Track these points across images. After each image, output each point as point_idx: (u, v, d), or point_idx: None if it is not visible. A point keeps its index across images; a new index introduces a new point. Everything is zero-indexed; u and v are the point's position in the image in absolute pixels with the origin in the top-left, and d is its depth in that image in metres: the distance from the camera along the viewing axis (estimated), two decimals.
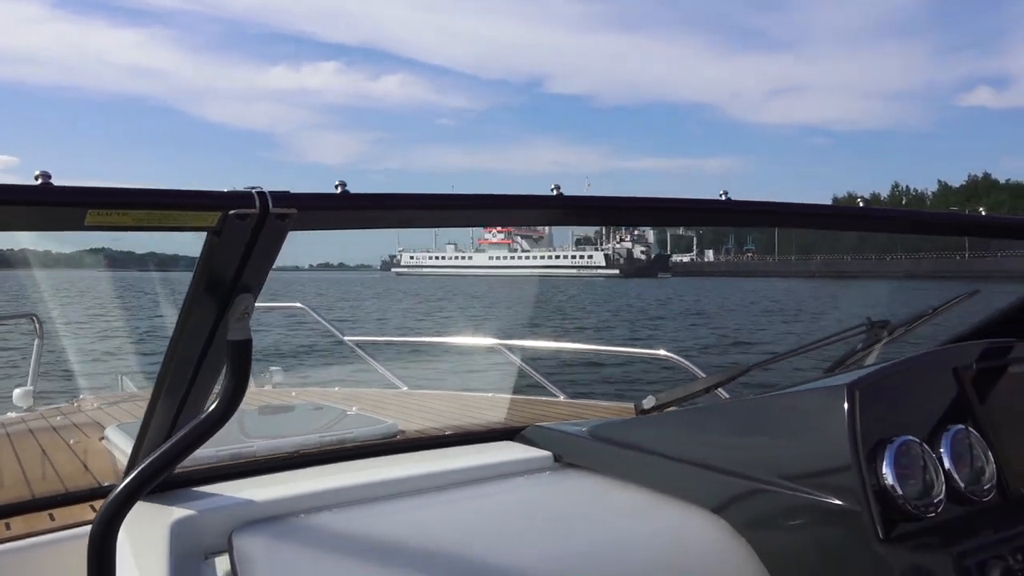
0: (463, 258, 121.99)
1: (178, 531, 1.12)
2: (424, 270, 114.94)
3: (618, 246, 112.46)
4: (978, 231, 1.59)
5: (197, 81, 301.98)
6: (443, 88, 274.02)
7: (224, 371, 0.91)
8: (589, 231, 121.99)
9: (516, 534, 1.22)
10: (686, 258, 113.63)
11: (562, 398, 2.67)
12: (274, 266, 0.90)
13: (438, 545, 1.15)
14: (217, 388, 0.95)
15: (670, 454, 1.37)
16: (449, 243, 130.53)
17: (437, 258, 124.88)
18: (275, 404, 2.63)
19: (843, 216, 1.52)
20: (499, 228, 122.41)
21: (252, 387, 3.47)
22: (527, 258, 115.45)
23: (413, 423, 2.12)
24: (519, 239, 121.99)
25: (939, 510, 1.10)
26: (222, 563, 1.10)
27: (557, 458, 1.54)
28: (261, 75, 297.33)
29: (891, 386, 1.21)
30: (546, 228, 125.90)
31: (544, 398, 2.73)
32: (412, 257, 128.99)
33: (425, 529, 1.21)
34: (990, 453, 1.21)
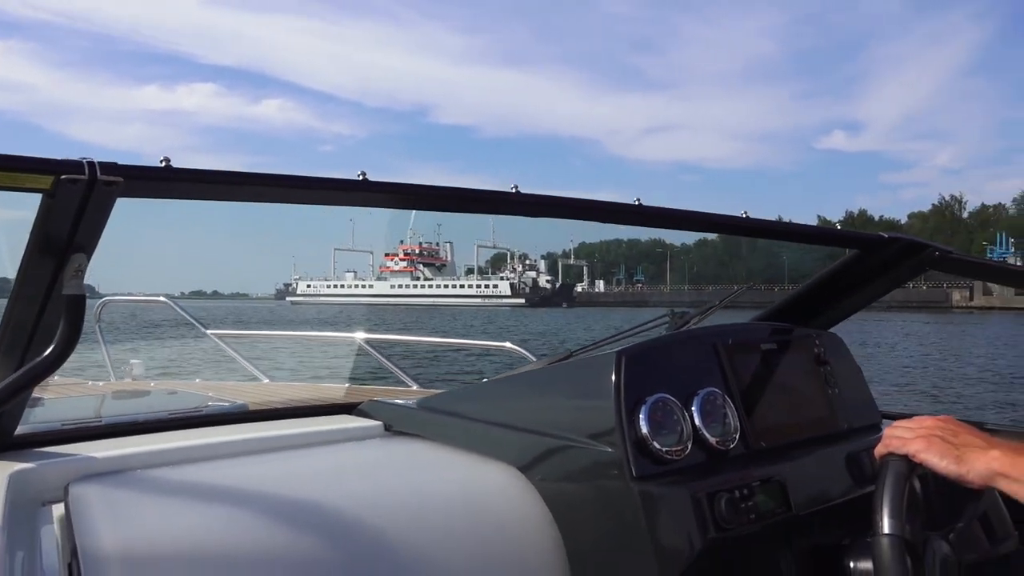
0: (363, 286, 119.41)
1: (15, 482, 1.20)
2: (321, 299, 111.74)
3: (523, 276, 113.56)
4: (792, 237, 1.83)
5: (60, 97, 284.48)
6: (326, 114, 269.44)
7: (60, 324, 1.01)
8: (490, 257, 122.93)
9: (342, 489, 1.34)
10: (578, 288, 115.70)
11: (415, 387, 2.79)
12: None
13: (270, 499, 1.26)
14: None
15: (481, 418, 1.56)
16: (348, 271, 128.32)
17: (336, 286, 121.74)
18: (130, 390, 2.63)
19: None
20: (402, 256, 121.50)
21: (111, 379, 3.43)
22: (430, 286, 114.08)
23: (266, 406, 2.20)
24: (421, 267, 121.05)
25: (685, 455, 1.33)
26: (58, 510, 1.19)
27: (388, 427, 1.70)
28: (132, 94, 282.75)
29: (656, 355, 1.45)
30: (448, 255, 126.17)
31: (398, 387, 2.84)
32: (309, 285, 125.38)
33: (259, 485, 1.31)
34: (736, 412, 1.45)
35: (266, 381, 3.30)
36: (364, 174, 1.20)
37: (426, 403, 1.72)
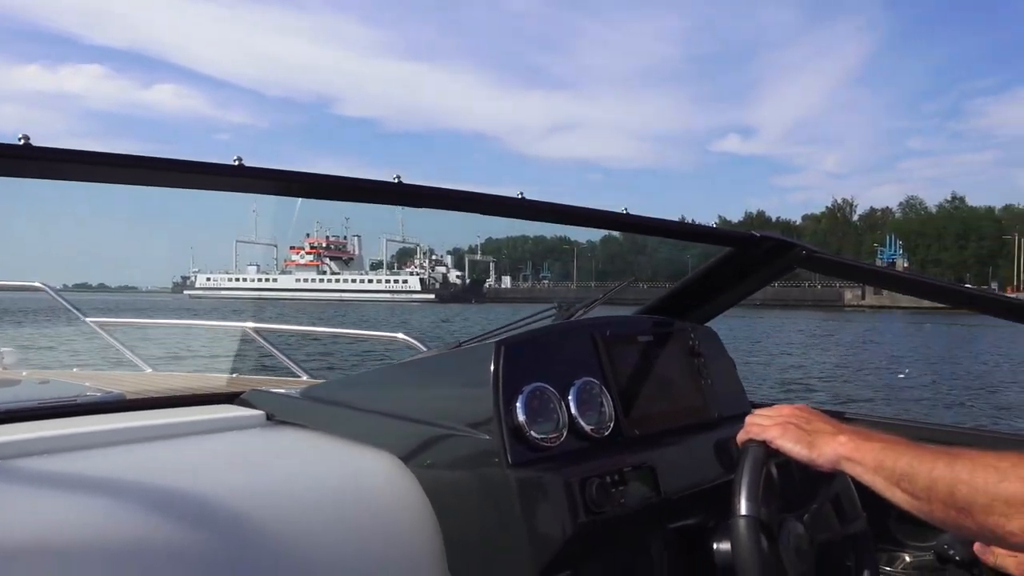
0: (267, 280, 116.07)
1: None
2: (223, 293, 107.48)
3: (434, 271, 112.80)
4: (683, 236, 1.93)
5: None
6: (223, 101, 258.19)
7: None
8: (396, 252, 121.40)
9: (218, 479, 1.32)
10: (488, 284, 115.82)
11: (305, 377, 2.76)
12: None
13: (145, 489, 1.23)
14: None
15: (364, 407, 1.57)
16: (251, 264, 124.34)
17: (237, 280, 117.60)
18: None
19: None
20: (308, 249, 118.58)
21: None
22: (337, 281, 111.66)
23: (144, 395, 2.13)
24: (328, 261, 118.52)
25: (560, 443, 1.37)
26: None
27: (270, 416, 1.69)
28: (9, 74, 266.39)
29: (535, 346, 1.49)
30: (355, 249, 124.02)
31: (286, 378, 2.79)
32: (209, 279, 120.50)
33: (133, 475, 1.28)
34: (612, 401, 1.50)
35: (148, 371, 3.19)
36: (240, 159, 1.19)
37: (309, 392, 1.72)
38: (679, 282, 2.05)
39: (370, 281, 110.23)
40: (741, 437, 1.27)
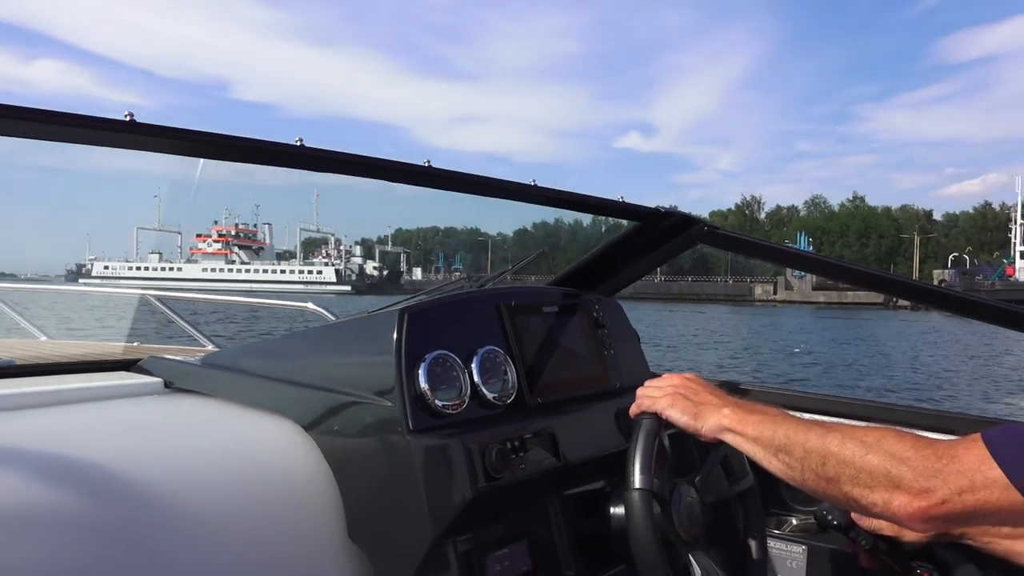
0: (170, 269, 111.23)
1: None
2: (122, 282, 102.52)
3: (350, 262, 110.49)
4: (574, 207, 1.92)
5: None
6: (111, 81, 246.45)
7: None
8: (303, 240, 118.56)
9: (113, 447, 1.29)
10: (403, 276, 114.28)
11: (209, 347, 2.67)
12: None
13: (36, 456, 1.19)
14: None
15: (265, 374, 1.56)
16: (153, 252, 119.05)
17: (138, 268, 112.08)
18: None
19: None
20: (215, 238, 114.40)
21: None
22: (247, 271, 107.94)
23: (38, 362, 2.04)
24: (237, 250, 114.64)
25: (462, 410, 1.39)
26: None
27: (168, 384, 1.66)
28: None
29: (439, 314, 1.50)
30: (266, 238, 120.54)
31: (192, 347, 2.71)
32: (107, 267, 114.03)
33: (24, 442, 1.23)
34: (515, 369, 1.53)
35: (43, 339, 3.05)
36: (131, 115, 1.15)
37: (209, 360, 1.69)
38: (586, 255, 2.09)
39: (282, 272, 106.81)
40: (634, 410, 1.32)
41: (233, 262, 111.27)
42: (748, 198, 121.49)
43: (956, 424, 1.75)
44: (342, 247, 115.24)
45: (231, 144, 1.30)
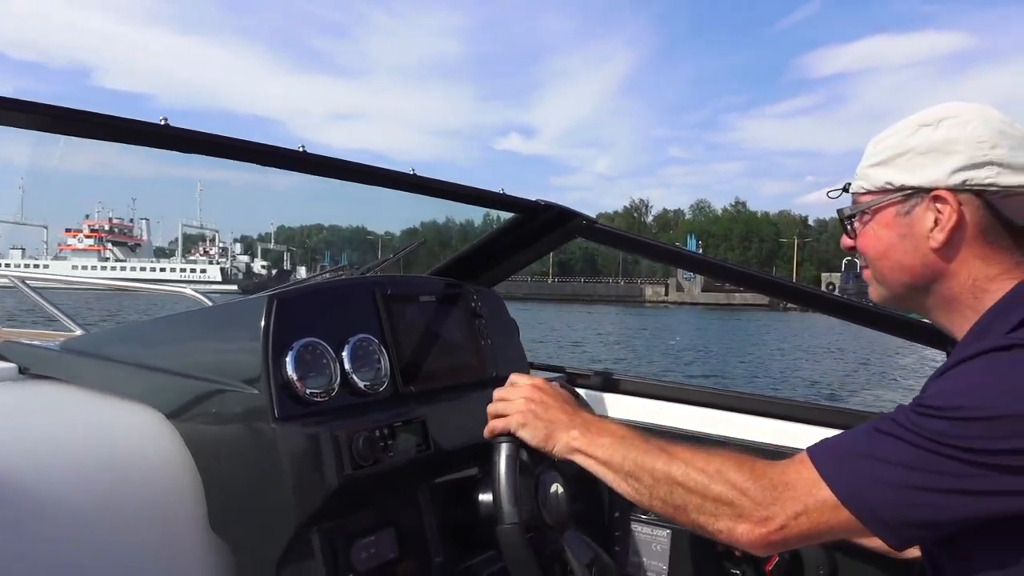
0: (35, 267, 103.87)
1: None
2: None
3: (235, 260, 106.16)
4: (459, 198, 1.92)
5: None
6: None
7: None
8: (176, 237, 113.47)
9: None
10: (292, 275, 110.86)
11: (78, 332, 2.52)
12: None
13: None
14: None
15: (128, 360, 1.50)
16: (15, 247, 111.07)
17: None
18: None
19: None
20: (87, 233, 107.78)
21: None
22: (123, 269, 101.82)
23: None
24: (112, 247, 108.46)
25: (332, 397, 1.38)
26: None
27: (23, 370, 1.58)
28: None
29: (310, 301, 1.48)
30: (143, 234, 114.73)
31: (61, 332, 2.54)
32: None
33: None
34: (388, 358, 1.53)
35: None
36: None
37: (69, 345, 1.62)
38: (466, 246, 2.11)
39: (162, 270, 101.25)
40: (488, 432, 1.31)
41: (107, 259, 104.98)
42: (636, 201, 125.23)
43: (807, 413, 1.87)
44: (221, 244, 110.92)
45: (85, 120, 1.22)
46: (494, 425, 1.30)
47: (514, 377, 1.36)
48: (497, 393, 1.34)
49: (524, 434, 1.26)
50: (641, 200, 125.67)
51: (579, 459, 1.21)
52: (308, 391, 1.34)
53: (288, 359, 1.33)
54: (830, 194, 1.19)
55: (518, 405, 1.28)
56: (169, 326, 1.61)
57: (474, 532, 1.51)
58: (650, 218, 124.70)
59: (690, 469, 1.07)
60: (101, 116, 1.23)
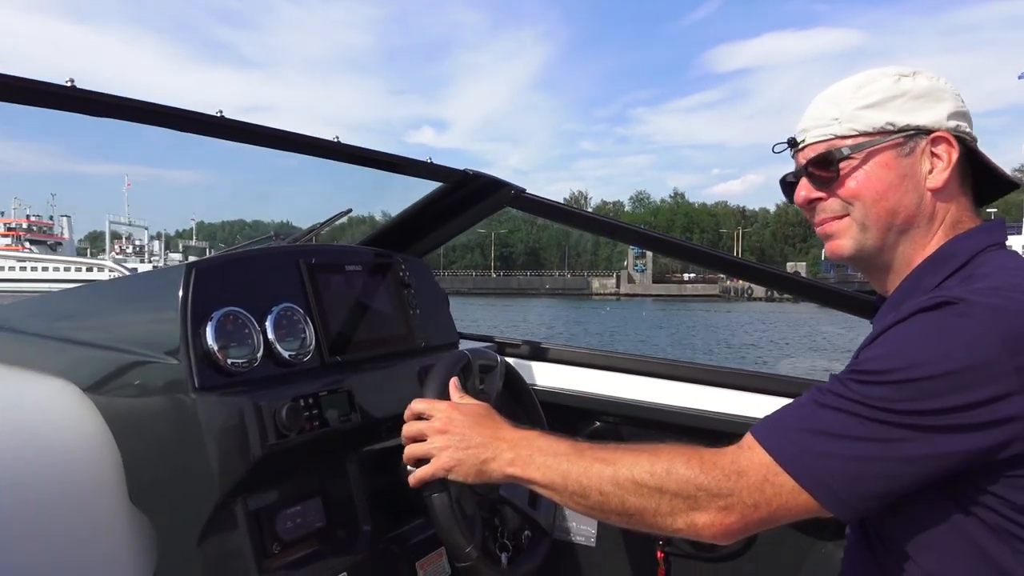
0: None
1: None
2: None
3: (167, 258, 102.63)
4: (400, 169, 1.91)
5: None
6: None
7: None
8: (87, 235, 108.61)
9: None
10: None
11: None
12: None
13: None
14: None
15: (40, 332, 1.47)
16: None
17: None
18: None
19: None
20: (2, 232, 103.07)
21: None
22: (44, 270, 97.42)
23: None
24: (31, 246, 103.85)
25: (254, 367, 1.36)
26: None
27: None
28: None
29: (232, 269, 1.46)
30: (66, 232, 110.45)
31: None
32: None
33: None
34: (312, 328, 1.51)
35: None
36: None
37: None
38: (395, 216, 2.11)
39: (88, 269, 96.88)
40: (414, 481, 1.26)
41: (25, 260, 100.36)
42: (576, 193, 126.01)
43: (738, 379, 1.92)
44: (138, 242, 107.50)
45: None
46: (420, 474, 1.24)
47: (418, 406, 1.29)
48: (408, 430, 1.28)
49: (455, 477, 1.21)
50: (580, 192, 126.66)
51: (520, 482, 1.18)
52: (230, 361, 1.32)
53: (208, 328, 1.31)
54: (776, 148, 1.18)
55: (437, 444, 1.23)
56: (84, 297, 1.56)
57: (402, 500, 1.51)
58: (589, 210, 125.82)
59: (636, 473, 1.05)
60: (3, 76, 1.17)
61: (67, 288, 1.59)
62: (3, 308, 1.60)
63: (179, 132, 1.47)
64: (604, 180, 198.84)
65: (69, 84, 1.23)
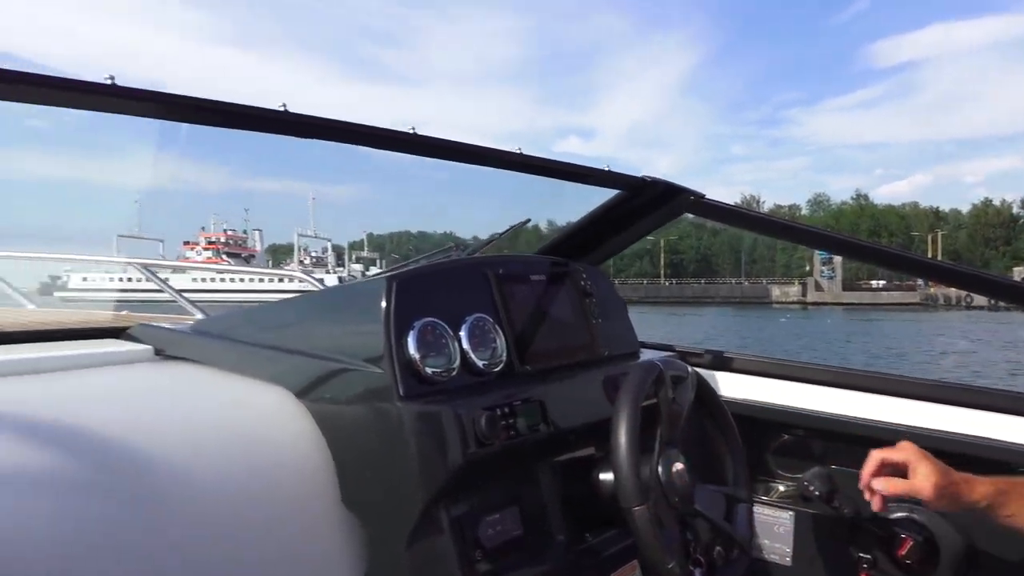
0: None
1: None
2: (103, 294, 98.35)
3: (351, 269, 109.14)
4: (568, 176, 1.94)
5: None
6: None
7: None
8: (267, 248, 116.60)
9: (104, 412, 1.31)
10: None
11: (197, 315, 2.68)
12: None
13: (26, 421, 1.21)
14: None
15: (255, 342, 1.60)
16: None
17: (120, 280, 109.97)
18: None
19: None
20: (204, 245, 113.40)
21: None
22: (241, 280, 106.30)
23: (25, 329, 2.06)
24: (227, 259, 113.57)
25: (452, 376, 1.43)
26: None
27: (158, 352, 1.70)
28: None
29: (428, 281, 1.53)
30: (256, 245, 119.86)
31: (181, 316, 2.72)
32: (85, 279, 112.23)
33: (14, 407, 1.25)
34: (504, 337, 1.57)
35: (31, 307, 3.06)
36: (112, 78, 1.19)
37: (199, 327, 1.73)
38: (572, 225, 2.14)
39: (280, 280, 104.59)
40: (886, 492, 1.38)
41: (223, 271, 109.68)
42: (747, 196, 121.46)
43: (951, 394, 1.77)
44: (314, 254, 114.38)
45: (213, 108, 1.32)
46: (894, 488, 1.37)
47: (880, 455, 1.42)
48: (895, 487, 1.38)
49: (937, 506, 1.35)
50: (752, 196, 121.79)
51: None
52: (429, 370, 1.38)
53: (410, 338, 1.38)
54: None
55: (924, 479, 1.35)
56: (291, 308, 1.69)
57: (595, 510, 1.53)
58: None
59: None
60: (227, 105, 1.32)
61: (278, 300, 1.72)
62: (220, 319, 1.75)
63: (337, 150, 1.58)
64: (756, 184, 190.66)
65: (282, 108, 1.36)
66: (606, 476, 1.51)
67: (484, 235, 2.05)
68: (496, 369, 1.52)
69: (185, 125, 1.40)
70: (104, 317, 2.58)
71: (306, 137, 1.49)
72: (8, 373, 1.42)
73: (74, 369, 1.51)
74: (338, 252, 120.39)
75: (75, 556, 1.06)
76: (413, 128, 1.55)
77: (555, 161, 1.82)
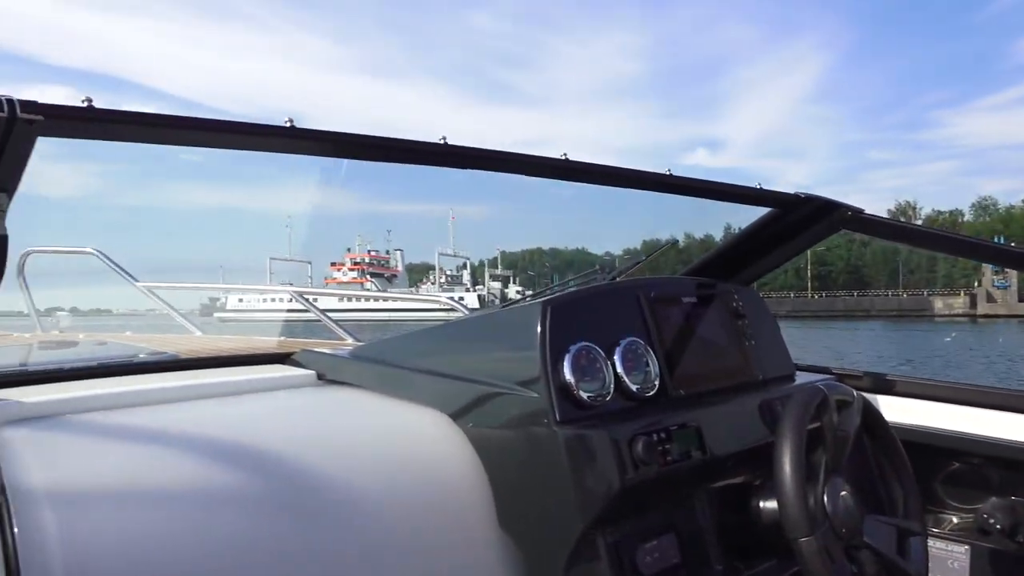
0: (306, 299, 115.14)
1: None
2: (257, 315, 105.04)
3: (491, 287, 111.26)
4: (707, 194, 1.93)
5: None
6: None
7: None
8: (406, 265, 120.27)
9: (274, 432, 1.41)
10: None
11: (349, 340, 2.81)
12: None
13: (201, 441, 1.32)
14: None
15: (412, 366, 1.66)
16: (285, 283, 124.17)
17: (272, 300, 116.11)
18: (57, 340, 2.63)
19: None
20: (349, 266, 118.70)
21: (38, 331, 3.43)
22: (385, 300, 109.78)
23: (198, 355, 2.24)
24: (371, 278, 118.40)
25: (607, 401, 1.43)
26: None
27: (320, 376, 1.79)
28: None
29: (581, 306, 1.55)
30: (398, 264, 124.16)
31: (333, 340, 2.87)
32: (241, 299, 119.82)
33: (190, 428, 1.36)
34: (657, 361, 1.56)
35: (198, 334, 3.30)
36: (291, 120, 1.28)
37: (358, 352, 1.82)
38: (722, 244, 2.10)
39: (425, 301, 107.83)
40: None
41: (369, 291, 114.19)
42: (902, 203, 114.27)
43: None
44: (447, 273, 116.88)
45: (381, 144, 1.40)
46: None
47: None
48: None
49: None
50: (908, 202, 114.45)
51: None
52: (584, 394, 1.40)
53: (565, 363, 1.40)
54: None
55: None
56: (444, 334, 1.75)
57: (754, 540, 1.50)
58: (920, 221, 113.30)
59: None
60: (388, 140, 1.40)
61: (427, 327, 1.78)
62: (376, 344, 1.84)
63: (468, 172, 1.59)
64: (898, 191, 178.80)
65: (443, 142, 1.42)
66: (768, 504, 1.47)
67: (616, 251, 2.05)
68: (649, 393, 1.51)
69: (347, 160, 1.49)
70: (266, 344, 2.77)
71: (465, 168, 1.55)
72: (191, 397, 1.54)
73: (248, 393, 1.63)
74: (473, 270, 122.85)
75: (259, 564, 1.15)
76: (565, 154, 1.58)
77: (706, 181, 1.80)
